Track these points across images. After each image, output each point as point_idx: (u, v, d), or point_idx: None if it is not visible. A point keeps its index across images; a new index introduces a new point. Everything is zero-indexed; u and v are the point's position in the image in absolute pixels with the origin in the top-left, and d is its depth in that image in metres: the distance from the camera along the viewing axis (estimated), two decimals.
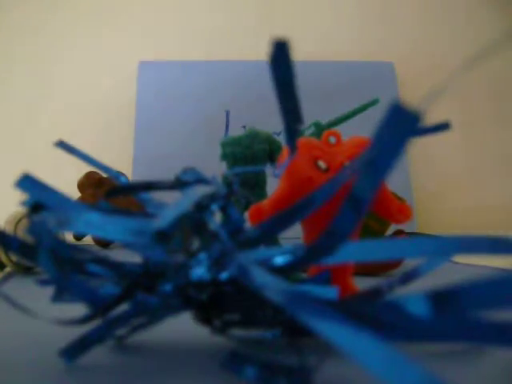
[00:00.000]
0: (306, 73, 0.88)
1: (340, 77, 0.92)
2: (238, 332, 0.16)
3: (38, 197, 0.16)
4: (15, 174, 0.17)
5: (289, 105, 0.13)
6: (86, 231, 0.14)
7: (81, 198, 0.65)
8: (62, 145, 0.20)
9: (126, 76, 0.91)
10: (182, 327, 0.18)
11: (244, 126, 0.34)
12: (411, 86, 0.92)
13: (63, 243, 0.15)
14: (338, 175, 0.14)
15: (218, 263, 0.14)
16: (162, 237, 0.15)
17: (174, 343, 0.18)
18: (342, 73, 0.92)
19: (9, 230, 0.35)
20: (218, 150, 0.34)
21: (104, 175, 0.67)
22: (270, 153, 0.33)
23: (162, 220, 0.14)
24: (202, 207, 0.16)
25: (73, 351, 0.15)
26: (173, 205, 0.15)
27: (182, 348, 0.17)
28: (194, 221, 0.16)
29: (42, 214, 0.14)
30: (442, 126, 0.15)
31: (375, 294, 0.18)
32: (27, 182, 0.16)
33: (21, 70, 0.92)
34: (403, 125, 0.09)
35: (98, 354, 0.16)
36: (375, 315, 0.13)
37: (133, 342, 0.18)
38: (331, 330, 0.10)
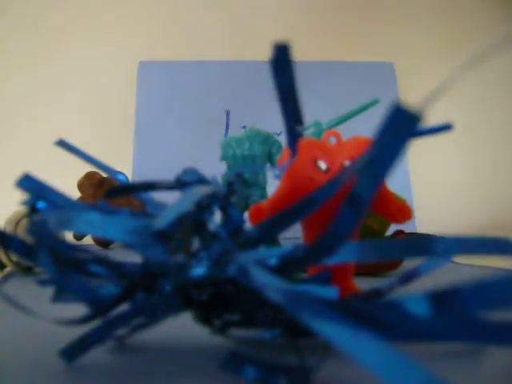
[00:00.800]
0: (306, 73, 0.88)
1: (340, 77, 0.92)
2: (237, 332, 0.16)
3: (39, 197, 0.16)
4: (15, 173, 0.17)
5: (290, 107, 0.13)
6: (86, 231, 0.14)
7: (81, 198, 0.65)
8: (62, 144, 0.20)
9: (125, 76, 0.91)
10: (182, 327, 0.18)
11: (244, 127, 0.34)
12: (411, 86, 0.92)
13: (63, 243, 0.15)
14: (339, 175, 0.14)
15: (218, 263, 0.14)
16: (162, 237, 0.15)
17: (173, 343, 0.18)
18: (341, 73, 0.92)
19: (9, 230, 0.35)
20: (218, 151, 0.34)
21: (104, 175, 0.67)
22: (270, 153, 0.33)
23: (162, 220, 0.14)
24: (202, 207, 0.16)
25: (72, 351, 0.15)
26: (173, 205, 0.15)
27: (181, 348, 0.17)
28: (194, 221, 0.16)
29: (42, 214, 0.14)
30: (444, 127, 0.15)
31: (375, 294, 0.18)
32: (27, 182, 0.16)
33: (20, 70, 0.92)
34: (403, 126, 0.09)
35: (98, 355, 0.16)
36: (375, 315, 0.13)
37: (133, 342, 0.18)
38: (331, 330, 0.10)
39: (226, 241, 0.15)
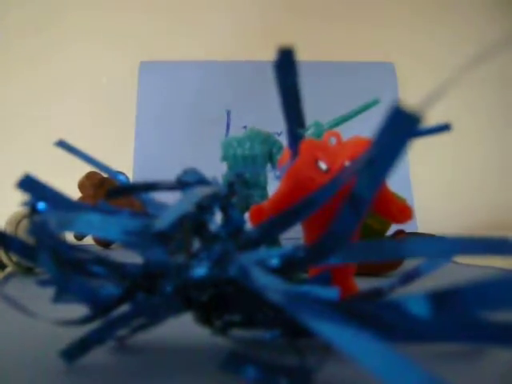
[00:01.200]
0: (307, 73, 0.87)
1: (341, 78, 0.92)
2: (238, 333, 0.16)
3: (39, 197, 0.16)
4: (15, 174, 0.17)
5: (292, 109, 0.13)
6: (86, 231, 0.14)
7: (81, 199, 0.65)
8: (63, 144, 0.20)
9: (126, 76, 0.91)
10: (183, 328, 0.18)
11: (245, 127, 0.34)
12: (412, 86, 0.92)
13: (64, 243, 0.15)
14: (339, 175, 0.14)
15: (218, 264, 0.14)
16: (163, 237, 0.15)
17: (174, 344, 0.18)
18: (342, 74, 0.92)
19: (9, 230, 0.35)
20: (219, 151, 0.34)
21: (105, 175, 0.67)
22: (271, 153, 0.33)
23: (163, 221, 0.14)
24: (202, 208, 0.16)
25: (73, 352, 0.15)
26: (173, 206, 0.15)
27: (182, 349, 0.17)
28: (194, 221, 0.16)
29: (43, 215, 0.14)
30: (443, 127, 0.15)
31: (376, 294, 0.18)
32: (28, 183, 0.16)
33: (21, 70, 0.92)
34: (403, 126, 0.09)
35: (99, 355, 0.16)
36: (376, 316, 0.13)
37: (133, 343, 0.18)
38: (331, 330, 0.10)
39: (226, 241, 0.15)
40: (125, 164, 0.84)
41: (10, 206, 0.37)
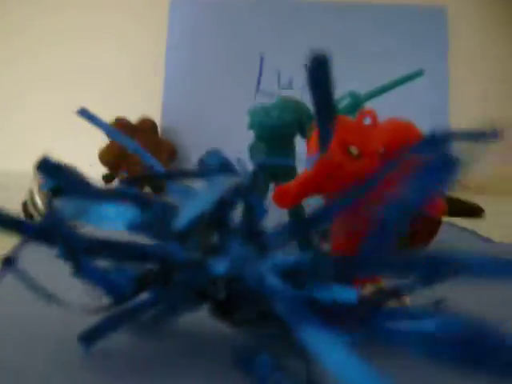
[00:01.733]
0: (351, 15, 0.82)
1: (387, 21, 0.85)
2: (251, 329, 0.16)
3: (58, 180, 0.15)
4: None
5: (325, 111, 0.12)
6: (101, 224, 0.14)
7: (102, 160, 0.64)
8: (84, 113, 0.20)
9: (156, 16, 0.88)
10: (198, 321, 0.18)
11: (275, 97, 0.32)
12: (463, 35, 0.85)
13: (79, 233, 0.14)
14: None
15: (235, 266, 0.14)
16: (180, 236, 0.14)
17: (189, 335, 0.17)
18: (389, 17, 0.85)
19: (29, 200, 0.34)
20: (250, 92, 0.33)
21: (136, 124, 0.66)
22: (301, 122, 0.31)
23: (181, 220, 0.13)
24: (223, 203, 0.15)
25: (91, 337, 0.15)
26: (193, 202, 0.14)
27: (195, 341, 0.17)
28: (214, 217, 0.15)
29: (59, 203, 0.14)
30: (490, 135, 0.14)
31: (392, 294, 0.17)
32: (47, 165, 0.15)
33: (47, 19, 0.90)
34: (446, 172, 0.08)
35: (115, 341, 0.16)
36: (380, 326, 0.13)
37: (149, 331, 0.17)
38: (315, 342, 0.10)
39: (245, 242, 0.14)
40: (153, 110, 0.82)
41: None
